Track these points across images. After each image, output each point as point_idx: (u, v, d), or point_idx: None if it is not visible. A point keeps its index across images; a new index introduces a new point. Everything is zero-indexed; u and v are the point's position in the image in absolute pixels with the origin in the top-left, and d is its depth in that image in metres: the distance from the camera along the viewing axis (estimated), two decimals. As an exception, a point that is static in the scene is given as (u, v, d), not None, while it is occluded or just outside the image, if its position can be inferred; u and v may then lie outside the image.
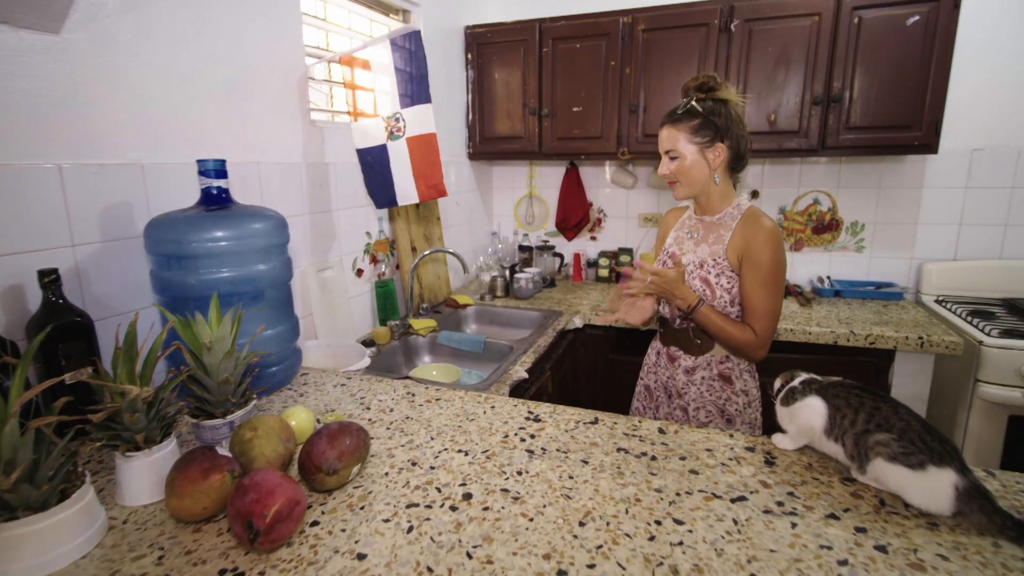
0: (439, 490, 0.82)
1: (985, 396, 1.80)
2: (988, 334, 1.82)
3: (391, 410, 1.10)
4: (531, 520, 0.75)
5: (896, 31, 1.91)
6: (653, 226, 2.73)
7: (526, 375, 1.62)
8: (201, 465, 0.76)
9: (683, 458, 0.90)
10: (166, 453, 0.83)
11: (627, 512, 0.76)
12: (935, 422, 2.08)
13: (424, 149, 1.57)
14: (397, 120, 1.59)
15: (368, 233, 1.96)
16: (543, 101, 2.43)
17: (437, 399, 1.15)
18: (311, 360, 1.56)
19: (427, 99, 1.54)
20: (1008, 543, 0.68)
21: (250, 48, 1.41)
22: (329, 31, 1.85)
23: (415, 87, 1.55)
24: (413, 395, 1.17)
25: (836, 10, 1.96)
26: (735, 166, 1.33)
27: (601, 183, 2.80)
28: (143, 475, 0.81)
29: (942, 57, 1.88)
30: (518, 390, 1.63)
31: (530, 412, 1.07)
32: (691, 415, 1.40)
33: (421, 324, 1.99)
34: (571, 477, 0.85)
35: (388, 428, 1.02)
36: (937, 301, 2.23)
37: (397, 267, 2.14)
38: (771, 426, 1.57)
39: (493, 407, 1.10)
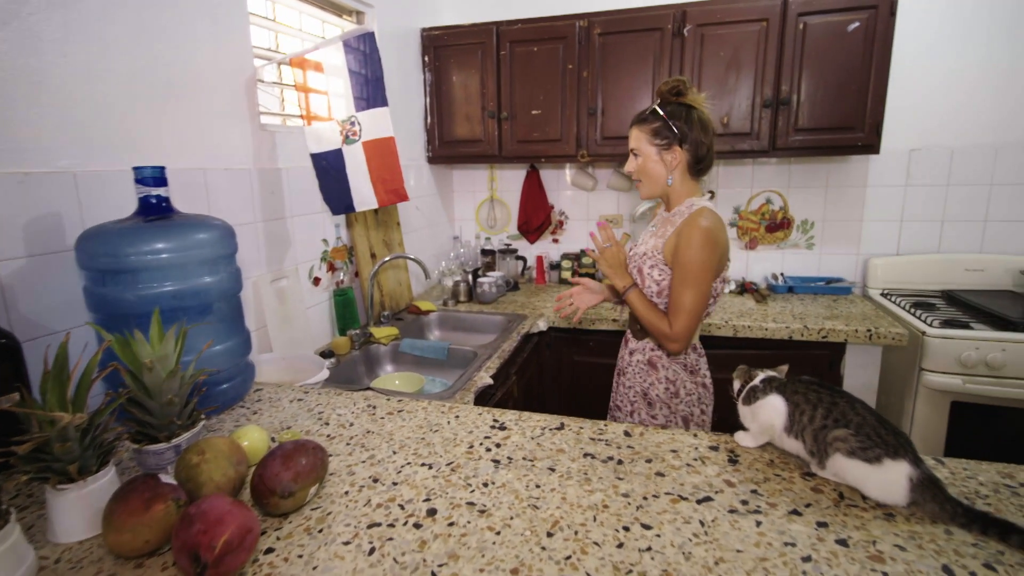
0: (402, 507, 0.79)
1: (929, 384, 1.89)
2: (930, 325, 1.91)
3: (351, 424, 1.06)
4: (498, 534, 0.73)
5: (838, 37, 1.99)
6: (614, 226, 2.76)
7: (491, 381, 1.60)
8: (142, 495, 0.71)
9: (649, 460, 0.90)
10: (103, 484, 0.77)
11: (595, 520, 0.75)
12: (884, 411, 2.17)
13: (382, 153, 1.53)
14: (352, 124, 1.54)
15: (325, 240, 1.90)
16: (502, 104, 2.42)
17: (399, 411, 1.11)
18: (266, 375, 1.49)
19: (383, 102, 1.51)
20: (959, 529, 0.71)
21: (193, 49, 1.34)
22: (279, 32, 1.79)
23: (370, 90, 1.51)
24: (374, 407, 1.13)
25: (783, 16, 2.03)
26: (696, 169, 1.37)
27: (562, 186, 2.81)
28: (77, 509, 0.75)
29: (881, 62, 1.97)
30: (483, 397, 1.61)
31: (496, 420, 1.05)
32: (624, 391, 1.51)
33: (382, 332, 1.95)
34: (538, 486, 0.83)
35: (348, 444, 0.99)
36: (883, 294, 2.33)
37: (356, 274, 2.08)
38: (718, 425, 1.60)
39: (458, 417, 1.08)
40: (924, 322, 1.94)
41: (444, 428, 1.03)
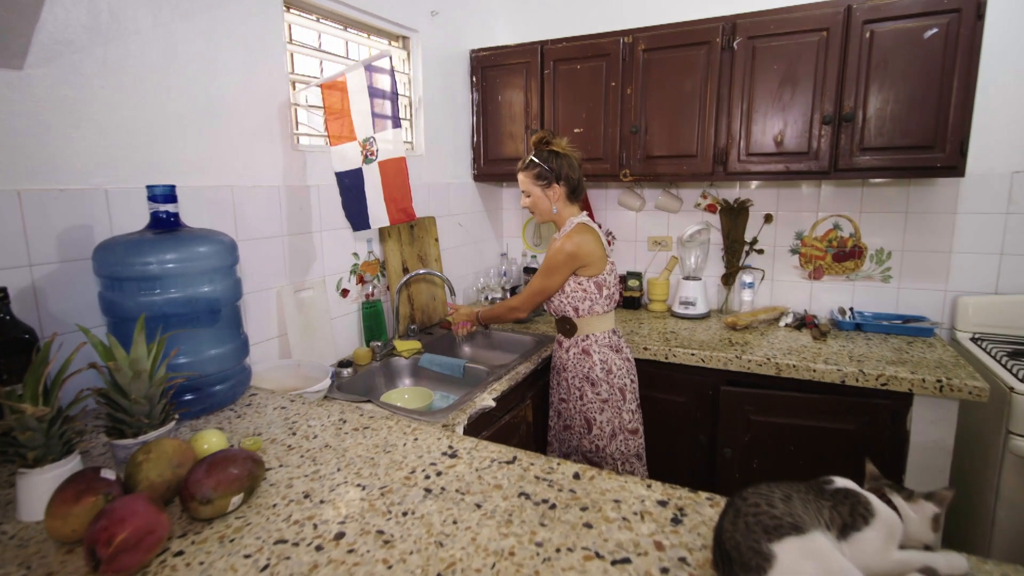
0: (316, 527, 0.80)
1: (1018, 451, 1.58)
2: (1022, 380, 1.60)
3: (315, 437, 1.09)
4: (389, 568, 0.71)
5: (913, 45, 1.76)
6: (662, 249, 2.62)
7: (493, 404, 1.57)
8: (77, 487, 0.77)
9: (585, 508, 0.83)
10: (63, 471, 0.85)
11: (493, 567, 0.71)
12: (962, 478, 1.85)
13: (394, 173, 1.58)
14: (370, 143, 1.61)
15: (355, 254, 1.99)
16: (544, 123, 2.40)
17: (366, 427, 1.13)
18: (277, 380, 1.58)
19: (397, 123, 1.56)
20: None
21: (225, 77, 1.47)
22: (323, 59, 1.92)
23: (386, 111, 1.56)
24: (344, 422, 1.15)
25: (846, 24, 1.83)
26: (572, 197, 1.76)
27: (610, 205, 2.73)
28: (35, 492, 0.83)
29: (965, 72, 1.71)
30: (485, 420, 1.58)
31: (450, 447, 1.03)
32: (570, 382, 1.79)
33: (405, 346, 1.99)
34: (455, 522, 0.80)
35: (302, 456, 1.01)
36: (973, 339, 2.00)
37: (388, 288, 2.15)
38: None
39: (416, 439, 1.07)
40: (1016, 376, 1.64)
41: (397, 449, 1.03)
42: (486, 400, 1.57)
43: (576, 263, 1.70)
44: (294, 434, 1.10)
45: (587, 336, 1.76)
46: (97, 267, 1.11)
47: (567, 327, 1.79)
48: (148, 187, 1.15)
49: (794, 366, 1.82)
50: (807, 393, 1.83)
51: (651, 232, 2.65)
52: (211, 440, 0.98)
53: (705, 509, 0.82)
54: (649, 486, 0.89)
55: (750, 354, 1.91)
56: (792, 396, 1.84)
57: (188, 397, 1.18)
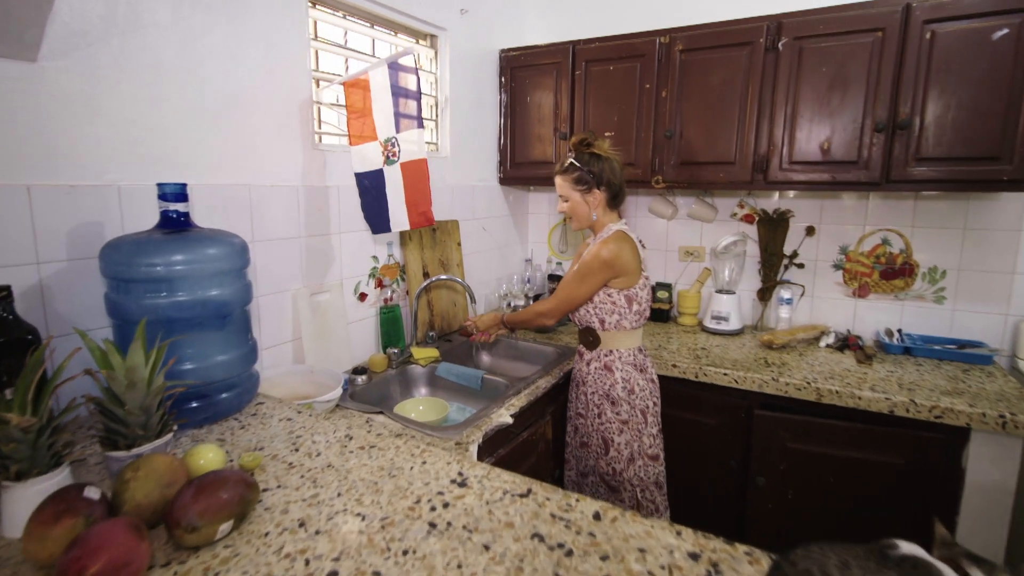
0: (307, 562, 0.73)
1: (1092, 497, 1.42)
2: (1098, 419, 1.44)
3: (318, 455, 1.02)
4: (383, 620, 0.63)
5: (979, 47, 1.61)
6: (694, 260, 2.50)
7: (510, 420, 1.49)
8: (57, 507, 0.72)
9: (605, 557, 0.74)
10: (49, 486, 0.80)
11: (499, 626, 0.62)
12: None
13: (416, 175, 1.51)
14: (392, 144, 1.54)
15: (375, 257, 1.94)
16: (574, 126, 2.31)
17: (372, 446, 1.06)
18: (289, 386, 1.53)
19: (420, 123, 1.49)
20: None
21: (246, 74, 1.43)
22: (349, 57, 1.87)
23: (409, 111, 1.50)
24: (350, 438, 1.09)
25: (903, 25, 1.69)
26: (613, 203, 1.68)
27: (640, 212, 2.62)
28: (19, 508, 0.78)
29: (1040, 77, 1.56)
30: (501, 437, 1.50)
31: (460, 474, 0.95)
32: (589, 398, 1.70)
33: (422, 353, 1.92)
34: (459, 566, 0.72)
35: (302, 477, 0.94)
36: (1038, 369, 1.83)
37: (408, 292, 2.09)
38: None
39: (424, 463, 0.99)
40: (1090, 413, 1.48)
41: (403, 474, 0.95)
42: (503, 416, 1.49)
43: (610, 272, 1.61)
44: (297, 450, 1.04)
45: (611, 351, 1.68)
46: (103, 267, 1.07)
47: (590, 339, 1.70)
48: (158, 185, 1.10)
49: (837, 392, 1.68)
50: (850, 421, 1.69)
51: (683, 242, 2.53)
52: (207, 456, 0.92)
53: (744, 567, 0.72)
54: (679, 533, 0.79)
55: (788, 376, 1.78)
56: (833, 424, 1.70)
57: (193, 405, 1.13)
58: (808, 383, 1.73)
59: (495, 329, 1.90)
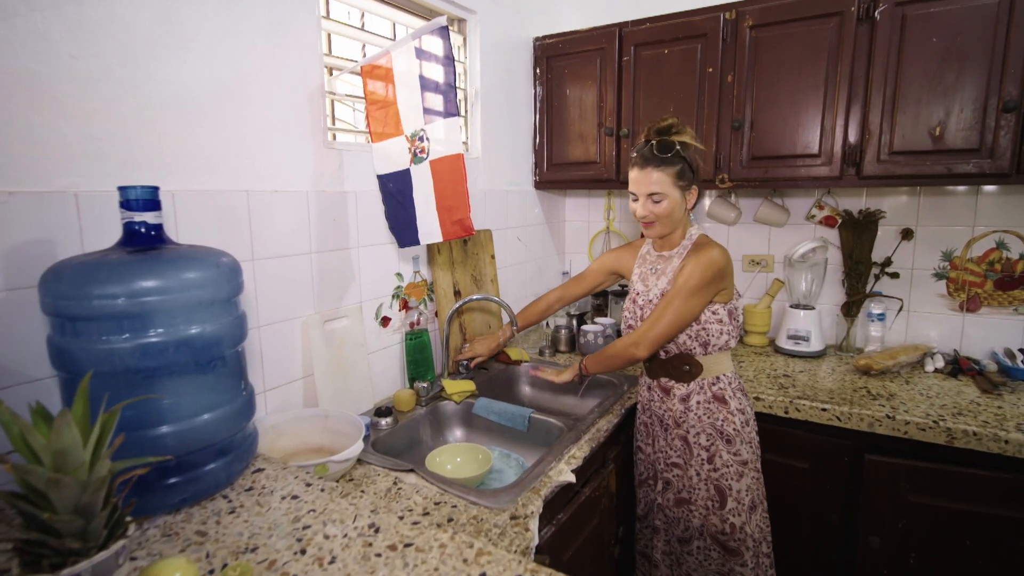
0: None
1: None
2: None
3: (332, 560, 0.73)
4: None
5: None
6: (761, 270, 2.18)
7: (572, 478, 1.19)
8: None
9: None
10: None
11: None
12: None
13: (449, 174, 1.23)
14: (421, 139, 1.27)
15: (399, 275, 1.65)
16: (622, 119, 2.02)
17: (407, 543, 0.76)
18: (298, 434, 1.24)
19: (455, 111, 1.21)
20: None
21: (242, 56, 1.17)
22: (366, 41, 1.61)
23: (441, 98, 1.22)
24: (376, 530, 0.79)
25: (1045, -22, 1.38)
26: (696, 206, 1.43)
27: (697, 217, 2.30)
28: None
29: None
30: (561, 498, 1.20)
31: (539, 597, 0.65)
32: (691, 441, 1.41)
33: (455, 388, 1.63)
34: None
35: (310, 602, 0.65)
36: None
37: (436, 315, 1.81)
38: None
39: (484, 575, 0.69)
40: None
41: (456, 597, 0.65)
42: (564, 474, 1.19)
43: (723, 283, 1.36)
44: (302, 552, 0.75)
45: (718, 378, 1.41)
46: (44, 301, 0.80)
47: (686, 368, 1.42)
48: (120, 189, 0.83)
49: (975, 433, 1.35)
50: (992, 470, 1.35)
51: (747, 249, 2.21)
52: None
53: None
54: None
55: (904, 412, 1.45)
56: (972, 473, 1.37)
57: (171, 481, 0.85)
58: (935, 422, 1.40)
59: (570, 375, 1.56)
